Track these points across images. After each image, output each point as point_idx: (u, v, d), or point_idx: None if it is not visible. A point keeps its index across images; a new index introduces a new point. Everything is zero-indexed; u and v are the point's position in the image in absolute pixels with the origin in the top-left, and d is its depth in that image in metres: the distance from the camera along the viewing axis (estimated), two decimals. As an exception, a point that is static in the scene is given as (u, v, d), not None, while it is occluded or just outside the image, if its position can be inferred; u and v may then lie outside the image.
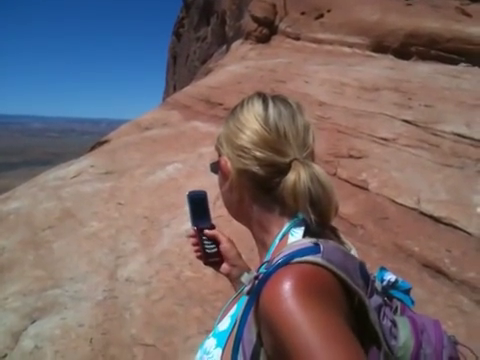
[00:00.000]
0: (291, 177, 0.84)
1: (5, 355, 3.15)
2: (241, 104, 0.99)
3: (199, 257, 1.19)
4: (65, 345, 3.17)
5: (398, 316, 0.86)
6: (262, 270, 0.77)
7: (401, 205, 4.36)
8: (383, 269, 0.95)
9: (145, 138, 8.11)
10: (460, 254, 3.66)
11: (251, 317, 0.75)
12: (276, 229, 0.89)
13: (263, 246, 0.93)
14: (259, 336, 0.73)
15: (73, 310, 3.52)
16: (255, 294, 0.74)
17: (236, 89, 9.27)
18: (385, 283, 0.92)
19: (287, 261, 0.74)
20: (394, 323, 0.82)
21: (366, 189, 4.70)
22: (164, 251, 4.13)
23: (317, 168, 0.86)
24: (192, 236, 1.19)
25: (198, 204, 1.20)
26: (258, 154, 0.89)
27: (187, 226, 4.59)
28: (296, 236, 0.84)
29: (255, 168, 0.89)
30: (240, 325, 0.76)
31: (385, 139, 5.67)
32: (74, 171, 6.50)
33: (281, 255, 0.77)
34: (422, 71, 8.37)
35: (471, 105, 6.09)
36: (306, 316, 0.65)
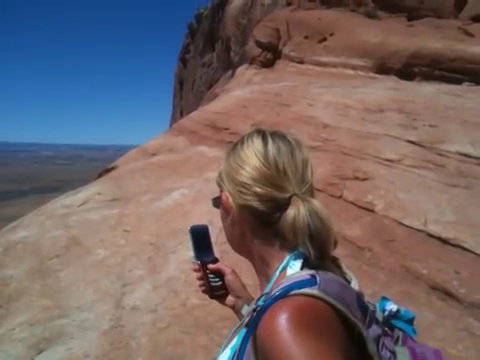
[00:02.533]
0: (291, 212, 0.87)
1: (12, 387, 3.13)
2: (241, 141, 1.02)
3: (204, 291, 1.19)
4: (72, 376, 3.15)
5: (398, 346, 0.86)
6: (260, 303, 0.79)
7: (408, 227, 4.34)
8: (385, 299, 0.95)
9: (151, 164, 8.16)
10: (469, 275, 3.62)
11: (250, 348, 0.76)
12: (276, 262, 0.91)
13: (265, 278, 0.94)
14: None
15: (79, 340, 3.50)
16: (253, 326, 0.75)
17: (242, 113, 9.35)
18: (386, 313, 0.92)
19: (284, 294, 0.75)
20: (394, 353, 0.82)
21: (372, 211, 4.68)
22: (170, 278, 4.12)
23: (316, 203, 0.88)
24: (196, 270, 1.20)
25: (200, 238, 1.21)
26: (258, 190, 0.92)
27: (192, 253, 4.56)
28: (294, 268, 0.85)
29: (255, 203, 0.92)
30: (239, 357, 0.77)
31: (390, 160, 5.67)
32: (81, 199, 6.55)
33: (279, 288, 0.78)
34: (426, 91, 8.42)
35: (475, 124, 6.10)
36: (301, 348, 0.66)
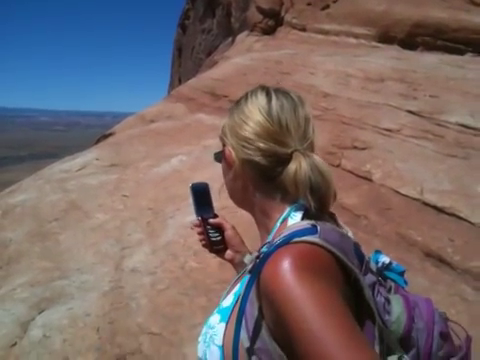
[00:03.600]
0: (292, 167, 0.90)
1: (15, 343, 3.21)
2: (245, 97, 1.03)
3: (205, 246, 1.25)
4: (73, 334, 3.22)
5: (392, 294, 0.91)
6: (263, 250, 0.83)
7: (404, 195, 4.38)
8: (378, 252, 1.00)
9: (150, 131, 8.15)
10: (463, 243, 3.68)
11: (253, 293, 0.80)
12: (277, 214, 0.95)
13: (265, 230, 0.98)
14: (261, 310, 0.78)
15: (80, 300, 3.57)
16: (257, 272, 0.79)
17: (241, 81, 9.26)
18: (380, 265, 0.97)
19: (287, 241, 0.79)
20: (387, 300, 0.87)
21: (370, 180, 4.71)
22: (169, 242, 4.18)
23: (316, 158, 0.91)
24: (197, 226, 1.24)
25: (201, 195, 1.25)
26: (261, 145, 0.94)
27: (191, 217, 4.58)
28: (295, 219, 0.90)
29: (258, 158, 0.94)
30: (243, 300, 0.81)
31: (389, 130, 5.67)
32: (79, 164, 6.56)
33: (282, 236, 0.83)
34: (428, 61, 8.33)
35: (476, 95, 6.07)
36: (304, 291, 0.70)
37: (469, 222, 3.85)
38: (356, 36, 12.39)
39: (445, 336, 0.86)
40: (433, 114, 5.80)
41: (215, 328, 0.89)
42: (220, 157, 1.09)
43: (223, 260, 1.27)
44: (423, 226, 3.94)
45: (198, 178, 5.35)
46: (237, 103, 1.05)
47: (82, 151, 7.97)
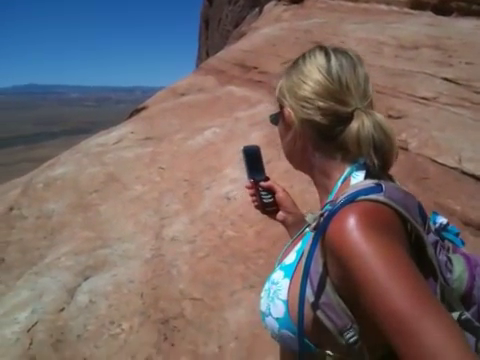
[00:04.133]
0: (355, 125, 0.89)
1: (63, 309, 3.37)
2: (303, 57, 1.02)
3: (257, 207, 1.27)
4: (118, 299, 3.36)
5: (451, 254, 0.92)
6: (328, 208, 0.84)
7: (442, 164, 4.32)
8: (435, 213, 1.00)
9: (182, 104, 8.18)
10: (502, 212, 3.64)
11: (318, 250, 0.82)
12: (337, 174, 0.95)
13: (325, 190, 0.99)
14: (325, 267, 0.81)
15: (123, 268, 3.71)
16: (322, 229, 0.81)
17: (271, 52, 9.17)
18: (437, 225, 0.97)
19: (352, 199, 0.81)
20: (449, 259, 0.88)
21: (406, 149, 4.66)
22: (206, 212, 4.26)
23: (379, 116, 0.90)
24: (249, 188, 1.27)
25: (252, 157, 1.27)
26: (321, 104, 0.93)
27: (227, 188, 4.71)
28: (358, 178, 0.90)
29: (318, 117, 0.93)
30: (308, 257, 0.83)
31: (425, 98, 5.57)
32: (115, 138, 6.68)
33: (346, 194, 0.83)
34: (463, 27, 8.07)
35: (515, 61, 5.88)
36: (371, 246, 0.72)
37: (508, 190, 3.80)
38: (387, 2, 12.04)
39: None
40: (470, 81, 5.67)
41: (279, 284, 0.91)
42: (276, 119, 1.08)
43: (273, 221, 1.29)
44: (462, 195, 3.90)
45: (232, 150, 5.41)
46: (295, 63, 1.04)
47: (115, 125, 8.10)
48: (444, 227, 0.98)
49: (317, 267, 0.82)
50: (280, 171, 4.00)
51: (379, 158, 0.87)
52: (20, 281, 3.84)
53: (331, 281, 0.81)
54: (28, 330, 3.18)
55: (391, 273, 0.69)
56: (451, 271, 0.87)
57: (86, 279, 3.72)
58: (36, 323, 3.23)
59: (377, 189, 0.83)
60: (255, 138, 5.36)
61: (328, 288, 0.81)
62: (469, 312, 0.83)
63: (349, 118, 0.91)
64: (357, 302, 0.74)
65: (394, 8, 11.79)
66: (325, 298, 0.81)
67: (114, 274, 3.64)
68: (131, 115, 9.89)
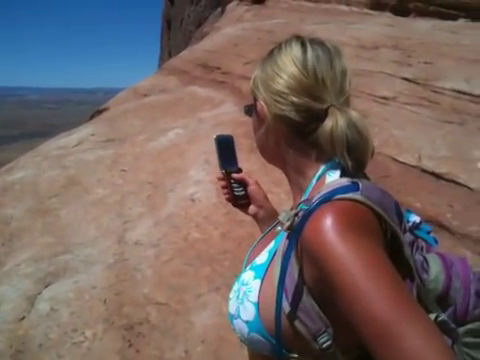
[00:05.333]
0: (328, 123, 0.85)
1: (23, 317, 3.25)
2: (279, 47, 0.98)
3: (228, 199, 1.22)
4: (80, 306, 3.27)
5: (426, 253, 0.90)
6: (303, 207, 0.81)
7: (402, 163, 4.41)
8: (409, 211, 0.98)
9: (144, 105, 8.09)
10: (462, 209, 3.73)
11: (293, 254, 0.80)
12: (312, 172, 0.92)
13: (299, 188, 0.96)
14: (301, 272, 0.78)
15: (85, 273, 3.61)
16: (298, 229, 0.78)
17: (233, 52, 9.18)
18: (411, 224, 0.94)
19: (329, 198, 0.78)
20: (425, 259, 0.87)
21: (367, 148, 4.73)
22: (170, 214, 4.21)
23: (354, 114, 0.86)
24: (221, 179, 1.22)
25: (225, 147, 1.22)
26: (295, 100, 0.89)
27: (192, 190, 4.66)
28: (333, 176, 0.87)
29: (292, 114, 0.90)
30: (284, 259, 0.80)
31: (385, 98, 5.67)
32: (76, 140, 6.52)
33: (322, 193, 0.81)
34: (421, 28, 8.28)
35: (471, 61, 6.06)
36: (349, 247, 0.70)
37: (467, 187, 3.89)
38: (347, 3, 12.28)
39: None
40: (428, 81, 5.80)
41: (249, 285, 0.88)
42: (250, 111, 1.05)
43: (244, 216, 1.25)
44: (422, 193, 3.98)
45: (195, 151, 5.37)
46: (270, 54, 0.99)
47: (76, 127, 7.91)
48: (417, 225, 0.95)
49: (292, 272, 0.80)
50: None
51: (353, 158, 0.84)
52: (-23, 290, 3.69)
53: (306, 285, 0.78)
54: (-15, 341, 3.05)
55: (369, 275, 0.67)
56: (427, 271, 0.85)
57: (47, 286, 3.60)
58: (-6, 334, 3.11)
59: (354, 188, 0.81)
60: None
61: (303, 294, 0.78)
62: (445, 313, 0.83)
63: (323, 115, 0.87)
64: (332, 304, 0.72)
65: (354, 9, 12.02)
66: (300, 304, 0.79)
67: (76, 280, 3.55)
68: (92, 117, 9.70)
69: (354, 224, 0.74)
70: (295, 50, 0.93)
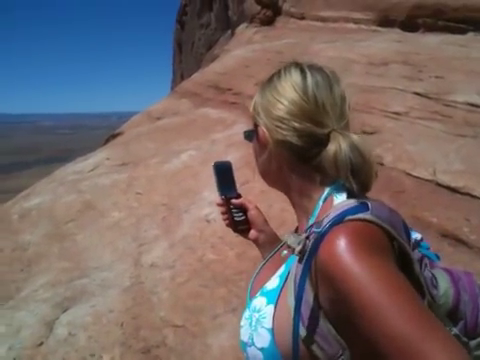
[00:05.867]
0: (332, 148, 0.86)
1: (41, 343, 3.26)
2: (278, 73, 0.98)
3: (228, 225, 1.23)
4: (97, 331, 3.28)
5: (432, 269, 0.91)
6: (315, 229, 0.80)
7: (417, 177, 4.38)
8: (411, 229, 0.97)
9: (157, 128, 8.18)
10: (479, 222, 3.68)
11: (307, 279, 0.79)
12: (317, 194, 0.92)
13: (304, 211, 0.96)
14: (316, 296, 0.78)
15: (102, 297, 3.62)
16: (312, 252, 0.78)
17: (244, 73, 9.27)
18: (413, 241, 0.94)
19: (340, 220, 0.78)
20: (433, 274, 0.87)
21: (381, 164, 4.71)
22: (185, 236, 4.22)
23: (355, 137, 0.87)
24: (220, 205, 1.22)
25: (224, 174, 1.23)
26: (296, 125, 0.90)
27: (206, 211, 4.68)
28: (341, 198, 0.87)
29: (294, 139, 0.90)
30: (301, 283, 0.79)
31: (397, 113, 5.66)
32: (91, 165, 6.61)
33: (332, 215, 0.81)
34: (430, 42, 8.29)
35: (481, 73, 6.04)
36: (366, 268, 0.70)
37: (483, 200, 3.85)
38: (355, 21, 12.33)
39: None
40: (440, 95, 5.79)
41: (262, 311, 0.87)
42: (251, 136, 1.05)
43: (248, 244, 1.26)
44: (438, 207, 3.94)
45: (209, 172, 5.39)
46: (269, 80, 1.00)
47: (91, 152, 8.02)
48: (418, 243, 0.96)
49: (307, 296, 0.79)
50: (256, 192, 4.00)
51: (358, 181, 0.85)
52: (-4, 317, 3.72)
53: (322, 308, 0.78)
54: (5, 367, 3.07)
55: (389, 292, 0.67)
56: (436, 287, 0.85)
57: (64, 311, 3.62)
58: (14, 360, 3.12)
59: (363, 208, 0.81)
60: (232, 159, 5.31)
61: (320, 318, 0.78)
62: (456, 328, 0.83)
63: (325, 140, 0.88)
64: (349, 326, 0.72)
65: (362, 26, 12.07)
66: (317, 329, 0.78)
67: (93, 304, 3.56)
68: (107, 141, 9.83)
69: (367, 244, 0.74)
70: (295, 76, 0.94)
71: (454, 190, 4.09)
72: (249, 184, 4.15)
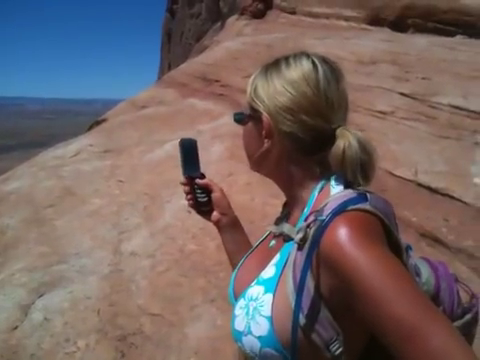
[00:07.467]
0: (340, 144, 0.87)
1: (16, 327, 3.23)
2: (286, 61, 0.96)
3: (191, 206, 1.22)
4: (74, 317, 3.25)
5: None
6: (320, 218, 0.81)
7: (399, 177, 4.42)
8: None
9: (142, 116, 8.11)
10: (457, 223, 3.74)
11: (309, 265, 0.80)
12: (312, 184, 0.93)
13: (298, 200, 0.97)
14: (317, 284, 0.80)
15: (80, 284, 3.59)
16: (315, 241, 0.79)
17: (233, 65, 9.24)
18: None
19: (342, 209, 0.80)
20: (415, 263, 0.92)
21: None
22: (167, 225, 4.20)
23: (360, 135, 0.89)
24: (184, 184, 1.21)
25: (189, 152, 1.20)
26: (305, 118, 0.90)
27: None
28: (338, 188, 0.88)
29: (300, 132, 0.91)
30: (304, 270, 0.80)
31: (383, 112, 5.70)
32: (73, 150, 6.53)
33: (334, 204, 0.82)
34: (419, 43, 8.34)
35: (468, 77, 6.11)
36: (369, 254, 0.73)
37: (463, 202, 3.90)
38: (346, 19, 12.38)
39: (459, 295, 0.92)
40: (426, 96, 5.84)
41: (260, 299, 0.87)
42: (243, 120, 1.02)
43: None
44: (418, 207, 3.99)
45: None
46: (275, 65, 0.97)
47: (72, 138, 7.93)
48: None
49: (308, 284, 0.80)
50: (241, 184, 3.99)
51: (363, 175, 0.87)
52: (-29, 300, 3.66)
53: (323, 296, 0.80)
54: (-23, 351, 3.02)
55: (393, 280, 0.71)
56: (419, 275, 0.91)
57: (41, 296, 3.57)
58: (-13, 343, 3.08)
59: (362, 199, 0.83)
60: (217, 151, 5.34)
61: (320, 305, 0.80)
62: None
63: (331, 135, 0.89)
64: (351, 312, 0.76)
65: (353, 24, 12.12)
66: (316, 316, 0.80)
67: (70, 291, 3.52)
68: (90, 127, 9.72)
69: (368, 232, 0.77)
70: (306, 68, 0.92)
71: (435, 191, 4.14)
72: (233, 176, 4.14)
